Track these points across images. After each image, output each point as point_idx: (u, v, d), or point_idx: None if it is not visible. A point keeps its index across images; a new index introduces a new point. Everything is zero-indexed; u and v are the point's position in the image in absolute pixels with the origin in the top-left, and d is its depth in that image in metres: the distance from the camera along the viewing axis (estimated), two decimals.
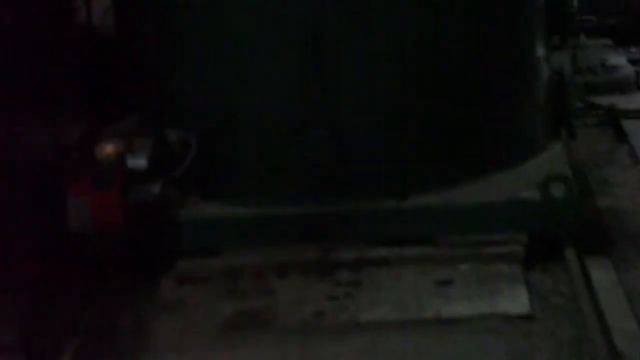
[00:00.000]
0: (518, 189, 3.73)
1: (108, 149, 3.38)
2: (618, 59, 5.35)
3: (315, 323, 3.24)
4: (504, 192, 3.73)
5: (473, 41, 3.82)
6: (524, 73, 4.08)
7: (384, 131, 3.69)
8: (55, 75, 3.81)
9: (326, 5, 3.58)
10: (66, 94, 3.79)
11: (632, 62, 5.44)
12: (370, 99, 3.67)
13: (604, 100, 5.04)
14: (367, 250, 3.57)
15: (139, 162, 3.39)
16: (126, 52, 3.91)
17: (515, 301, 3.33)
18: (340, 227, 3.61)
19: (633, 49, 5.59)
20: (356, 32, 3.63)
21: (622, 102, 5.04)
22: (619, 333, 3.12)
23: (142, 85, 3.86)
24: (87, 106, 3.81)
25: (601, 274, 3.49)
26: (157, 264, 3.44)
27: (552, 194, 3.65)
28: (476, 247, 3.59)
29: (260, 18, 3.63)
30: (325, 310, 3.29)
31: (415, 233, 3.63)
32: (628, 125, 4.81)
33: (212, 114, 3.70)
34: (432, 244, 3.60)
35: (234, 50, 3.67)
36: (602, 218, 3.95)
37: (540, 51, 4.16)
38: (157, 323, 3.26)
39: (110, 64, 3.84)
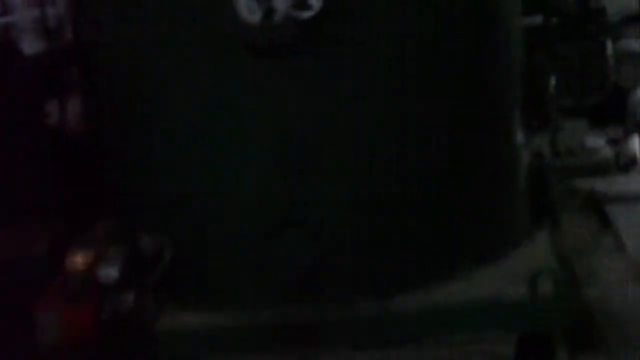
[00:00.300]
0: (504, 285, 3.62)
1: (78, 259, 3.24)
2: (596, 141, 5.30)
3: None
4: (489, 289, 3.61)
5: (451, 134, 3.73)
6: (504, 162, 3.99)
7: (363, 231, 3.57)
8: (24, 181, 3.68)
9: (301, 109, 3.53)
10: (35, 200, 3.66)
11: (610, 143, 5.39)
12: (349, 197, 3.56)
13: (584, 184, 4.97)
14: (350, 355, 3.44)
15: (111, 272, 3.26)
16: (98, 155, 3.81)
17: None
18: (322, 332, 3.47)
19: (610, 130, 5.54)
20: (332, 130, 3.55)
21: (603, 185, 4.97)
22: None
23: (114, 190, 3.75)
24: (57, 213, 3.68)
25: None
26: None
27: (540, 290, 3.56)
28: (462, 349, 3.47)
29: (235, 120, 3.55)
30: None
31: (399, 335, 3.50)
32: (611, 209, 4.73)
33: (185, 218, 3.59)
34: (417, 347, 3.49)
35: (205, 151, 3.57)
36: (591, 311, 3.85)
37: (520, 137, 4.09)
38: None
39: (83, 167, 3.73)
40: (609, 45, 5.77)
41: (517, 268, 3.72)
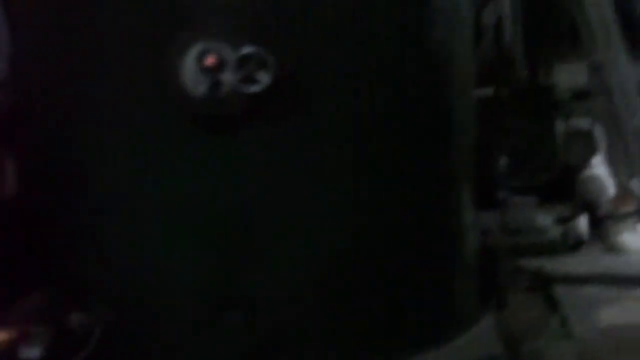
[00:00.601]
0: None
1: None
2: (545, 220, 5.24)
3: None
4: None
5: (401, 213, 3.64)
6: (452, 242, 3.91)
7: (310, 311, 3.46)
8: None
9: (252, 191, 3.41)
10: None
11: (559, 221, 5.33)
12: (296, 277, 3.45)
13: (531, 264, 4.89)
14: None
15: (33, 352, 3.10)
16: (27, 224, 3.65)
17: None
18: None
19: (559, 208, 5.49)
20: (278, 207, 3.44)
21: (551, 265, 4.90)
22: None
23: (43, 262, 3.58)
24: None
25: None
26: None
27: None
28: None
29: (176, 194, 3.43)
30: None
31: None
32: (558, 291, 4.64)
33: (118, 294, 3.44)
34: None
35: (143, 225, 3.45)
36: None
37: (467, 217, 4.01)
38: None
39: (10, 237, 3.58)
40: (559, 122, 5.77)
41: (463, 353, 3.63)
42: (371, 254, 3.55)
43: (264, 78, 3.30)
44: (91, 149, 3.50)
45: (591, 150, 5.69)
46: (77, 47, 3.49)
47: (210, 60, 3.29)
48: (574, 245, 5.17)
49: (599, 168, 5.64)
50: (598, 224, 5.35)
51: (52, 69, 3.57)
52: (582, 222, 5.25)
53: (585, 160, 5.68)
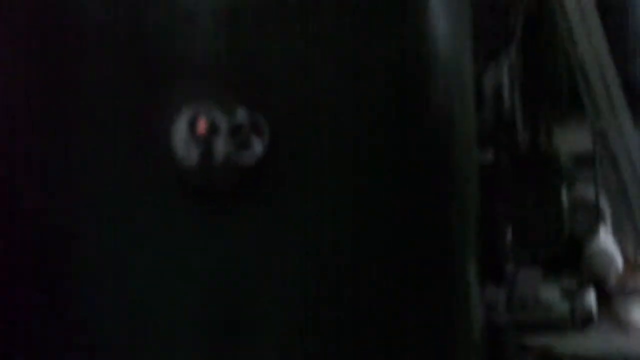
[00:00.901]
0: None
1: None
2: (551, 294, 5.04)
3: None
4: None
5: (399, 293, 3.42)
6: (457, 323, 3.68)
7: None
8: None
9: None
10: None
11: (565, 295, 5.12)
12: None
13: (539, 342, 4.68)
14: None
15: None
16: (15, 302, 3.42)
17: None
18: None
19: (565, 281, 5.28)
20: (268, 288, 3.23)
21: (560, 344, 4.69)
22: None
23: (28, 341, 3.35)
24: None
25: None
26: None
27: None
28: None
29: (160, 272, 3.22)
30: None
31: None
32: None
33: None
34: None
35: (125, 305, 3.23)
36: None
37: (474, 295, 3.80)
38: None
39: None
40: (564, 190, 5.58)
41: None
42: (364, 333, 3.32)
43: (258, 148, 3.13)
44: (73, 224, 3.27)
45: (597, 221, 5.50)
46: (58, 113, 3.28)
47: (202, 127, 3.11)
48: (583, 322, 4.96)
49: (606, 240, 5.45)
50: (606, 299, 5.16)
51: (34, 135, 3.36)
52: (591, 298, 5.05)
53: (590, 232, 5.49)
